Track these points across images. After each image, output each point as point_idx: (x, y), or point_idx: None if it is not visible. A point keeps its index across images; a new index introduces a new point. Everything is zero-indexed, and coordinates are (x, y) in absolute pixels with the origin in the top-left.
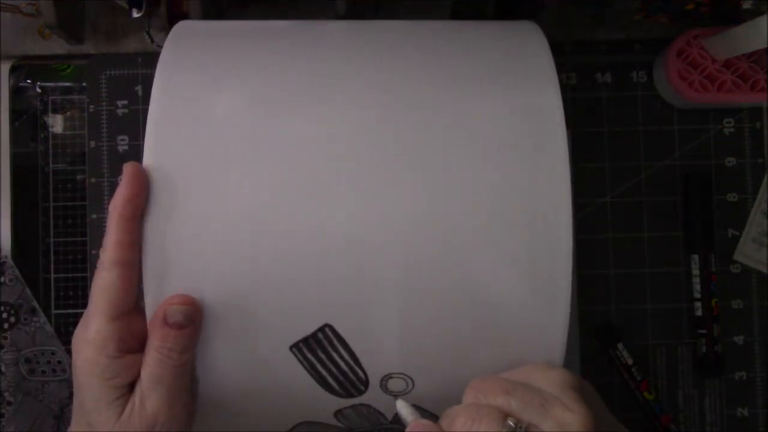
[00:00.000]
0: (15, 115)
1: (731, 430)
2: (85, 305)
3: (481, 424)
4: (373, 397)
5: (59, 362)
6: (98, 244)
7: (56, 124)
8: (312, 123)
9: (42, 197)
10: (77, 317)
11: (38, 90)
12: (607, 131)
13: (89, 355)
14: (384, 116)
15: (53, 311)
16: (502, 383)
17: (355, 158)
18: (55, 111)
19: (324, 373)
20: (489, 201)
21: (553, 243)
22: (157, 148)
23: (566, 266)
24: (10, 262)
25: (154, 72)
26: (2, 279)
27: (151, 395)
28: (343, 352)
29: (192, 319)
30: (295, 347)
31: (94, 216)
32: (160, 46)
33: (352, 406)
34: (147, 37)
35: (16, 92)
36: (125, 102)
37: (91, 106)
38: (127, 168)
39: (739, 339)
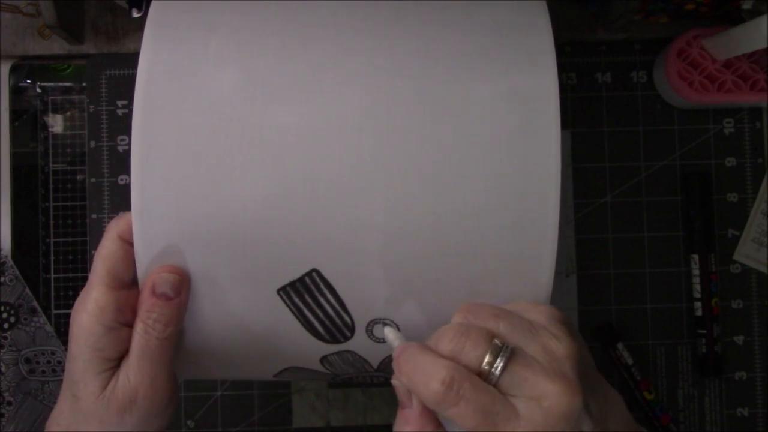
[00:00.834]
0: (15, 115)
1: (731, 430)
2: None
3: (468, 341)
4: (358, 343)
5: (59, 362)
6: (98, 244)
7: (56, 124)
8: (302, 87)
9: (42, 197)
10: None
11: (38, 90)
12: (607, 131)
13: (85, 323)
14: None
15: (53, 311)
16: (492, 308)
17: (345, 109)
18: (55, 111)
19: (311, 317)
20: (477, 151)
21: (541, 188)
22: (145, 110)
23: (553, 210)
24: (10, 262)
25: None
26: (2, 279)
27: (134, 367)
28: (330, 297)
29: (178, 291)
30: (283, 291)
31: (94, 216)
32: None
33: (338, 353)
34: None
35: (16, 92)
36: (125, 102)
37: (91, 106)
38: None
39: (739, 339)
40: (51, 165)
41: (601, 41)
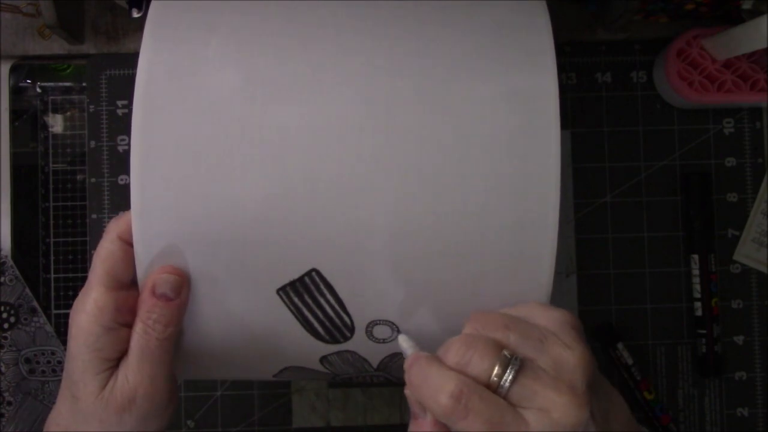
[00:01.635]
0: (15, 115)
1: (731, 430)
2: None
3: (475, 353)
4: (358, 343)
5: (59, 362)
6: (98, 244)
7: (56, 124)
8: (303, 83)
9: (42, 197)
10: None
11: (38, 90)
12: (607, 131)
13: (84, 324)
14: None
15: (53, 311)
16: (502, 318)
17: (344, 108)
18: (55, 111)
19: (310, 317)
20: (477, 151)
21: (540, 188)
22: (145, 106)
23: (553, 210)
24: (10, 262)
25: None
26: (2, 279)
27: (133, 367)
28: (329, 297)
29: (178, 291)
30: (282, 291)
31: (94, 216)
32: None
33: (338, 353)
34: None
35: (16, 92)
36: (125, 102)
37: (91, 106)
38: None
39: (739, 339)
40: (51, 165)
41: (601, 41)
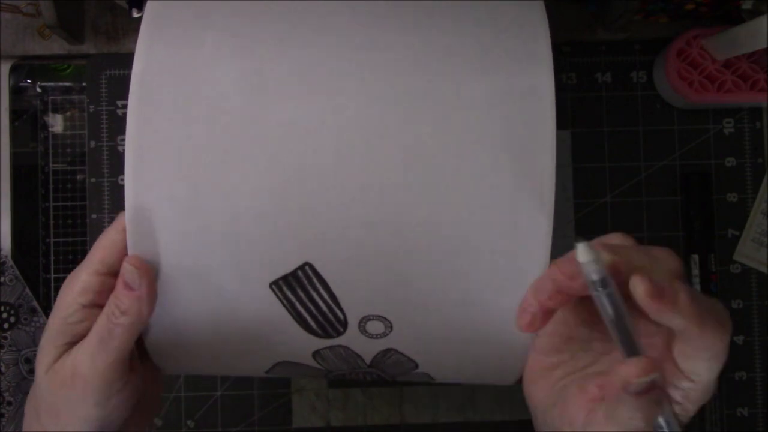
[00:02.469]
0: (15, 115)
1: (731, 430)
2: None
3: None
4: (351, 338)
5: None
6: (105, 230)
7: (56, 124)
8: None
9: (42, 197)
10: None
11: (38, 90)
12: (607, 131)
13: (66, 298)
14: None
15: None
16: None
17: (339, 105)
18: (55, 111)
19: (303, 311)
20: (472, 149)
21: (535, 187)
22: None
23: (548, 209)
24: (10, 262)
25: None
26: (2, 279)
27: (83, 345)
28: (322, 291)
29: (138, 284)
30: (275, 285)
31: (94, 216)
32: None
33: (331, 347)
34: None
35: (16, 92)
36: (125, 102)
37: (91, 106)
38: None
39: (739, 339)
40: (51, 165)
41: (601, 41)
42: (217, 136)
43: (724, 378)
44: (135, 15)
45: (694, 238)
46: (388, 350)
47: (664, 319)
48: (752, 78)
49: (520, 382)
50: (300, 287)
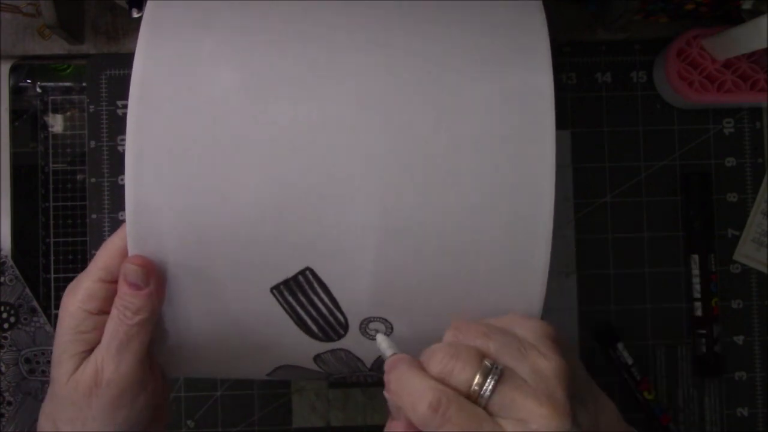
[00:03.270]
0: (15, 115)
1: (731, 430)
2: None
3: (458, 361)
4: (352, 342)
5: None
6: (98, 244)
7: (56, 124)
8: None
9: (42, 197)
10: None
11: (38, 90)
12: (607, 131)
13: (71, 308)
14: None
15: (53, 311)
16: (483, 327)
17: (338, 107)
18: (55, 111)
19: (304, 316)
20: (471, 150)
21: (534, 196)
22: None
23: (548, 210)
24: (10, 262)
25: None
26: (2, 279)
27: (102, 351)
28: (323, 295)
29: (146, 281)
30: (276, 289)
31: (94, 216)
32: None
33: (332, 351)
34: None
35: (16, 92)
36: (125, 102)
37: (91, 106)
38: None
39: (739, 339)
40: (51, 165)
41: (601, 41)
42: (217, 138)
43: (724, 378)
44: (135, 15)
45: (694, 238)
46: None
47: None
48: (752, 78)
49: None
50: (301, 292)
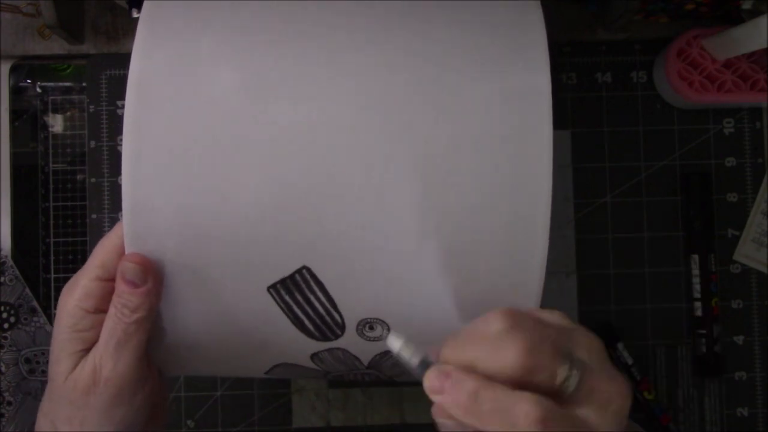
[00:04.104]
0: (15, 115)
1: (731, 430)
2: None
3: (542, 357)
4: (349, 341)
5: None
6: (108, 233)
7: (56, 124)
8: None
9: (42, 197)
10: None
11: (38, 90)
12: (607, 131)
13: (68, 306)
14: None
15: (53, 311)
16: (533, 314)
17: (337, 107)
18: (55, 111)
19: (301, 315)
20: (469, 150)
21: (532, 195)
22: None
23: (545, 209)
24: (10, 262)
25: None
26: (2, 279)
27: (100, 349)
28: (320, 295)
29: (144, 279)
30: (273, 288)
31: (94, 216)
32: None
33: (329, 350)
34: None
35: (16, 92)
36: (125, 102)
37: (91, 106)
38: None
39: (739, 339)
40: (51, 165)
41: (601, 41)
42: (217, 138)
43: (724, 378)
44: (135, 15)
45: (694, 238)
46: (386, 352)
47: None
48: (752, 78)
49: None
50: (298, 291)
